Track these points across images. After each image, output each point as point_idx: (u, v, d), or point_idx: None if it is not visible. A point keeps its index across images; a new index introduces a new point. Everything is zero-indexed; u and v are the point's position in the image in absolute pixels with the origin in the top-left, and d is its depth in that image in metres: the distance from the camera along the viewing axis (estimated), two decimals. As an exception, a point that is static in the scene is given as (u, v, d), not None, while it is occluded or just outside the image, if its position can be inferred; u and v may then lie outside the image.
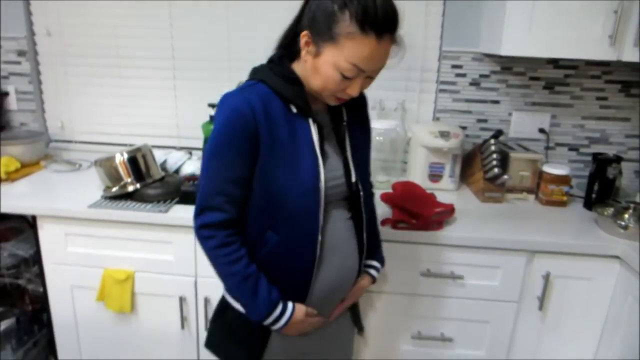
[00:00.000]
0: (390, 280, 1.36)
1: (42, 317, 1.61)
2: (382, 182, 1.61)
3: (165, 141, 1.87)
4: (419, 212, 1.30)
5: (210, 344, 1.04)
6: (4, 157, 1.62)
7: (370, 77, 0.85)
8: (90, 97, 1.88)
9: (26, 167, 1.67)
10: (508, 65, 1.69)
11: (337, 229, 0.95)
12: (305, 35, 0.82)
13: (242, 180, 0.87)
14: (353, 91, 0.84)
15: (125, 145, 1.66)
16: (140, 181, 1.42)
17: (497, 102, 1.74)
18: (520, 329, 1.38)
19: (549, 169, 1.53)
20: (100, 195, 1.43)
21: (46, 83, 1.89)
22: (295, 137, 0.87)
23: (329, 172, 0.91)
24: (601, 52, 1.37)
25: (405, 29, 0.84)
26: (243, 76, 1.68)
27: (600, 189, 1.51)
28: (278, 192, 0.87)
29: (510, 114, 1.75)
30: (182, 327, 1.45)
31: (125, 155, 1.42)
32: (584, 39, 1.36)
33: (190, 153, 1.75)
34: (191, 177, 1.62)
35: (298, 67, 0.89)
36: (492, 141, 1.56)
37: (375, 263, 1.09)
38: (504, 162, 1.56)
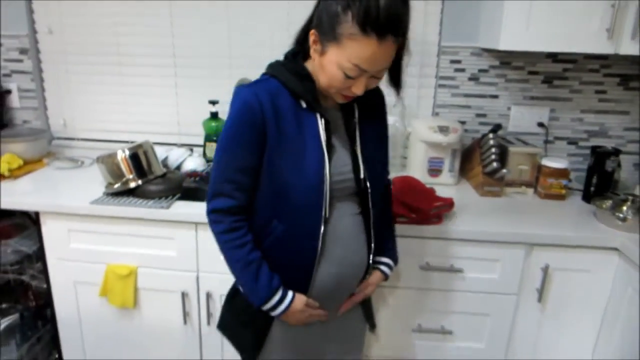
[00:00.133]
0: (390, 274, 1.37)
1: (46, 313, 1.62)
2: (382, 177, 1.62)
3: (166, 138, 1.88)
4: (418, 206, 1.31)
5: (220, 326, 1.10)
6: (7, 154, 1.64)
7: (375, 77, 0.86)
8: (92, 94, 1.89)
9: (29, 165, 1.69)
10: (507, 59, 1.70)
11: (343, 223, 0.96)
12: (313, 34, 0.85)
13: (250, 170, 0.91)
14: (358, 90, 0.86)
15: (126, 142, 1.67)
16: (142, 177, 1.44)
17: (496, 96, 1.74)
18: (520, 321, 1.39)
19: (547, 162, 1.54)
20: (103, 191, 1.45)
21: (48, 81, 1.90)
22: (302, 131, 0.90)
23: (335, 167, 0.92)
24: (599, 45, 1.37)
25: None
26: (243, 73, 1.72)
27: (599, 182, 1.51)
28: (283, 184, 0.90)
29: (509, 109, 1.75)
30: (185, 322, 1.46)
31: (127, 152, 1.43)
32: (582, 33, 1.37)
33: (192, 150, 1.76)
34: (192, 174, 1.63)
35: (310, 64, 0.92)
36: (491, 135, 1.57)
37: (386, 260, 1.08)
38: (502, 156, 1.57)
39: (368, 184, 0.96)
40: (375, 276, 1.07)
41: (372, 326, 1.16)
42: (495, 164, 1.52)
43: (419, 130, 1.61)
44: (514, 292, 1.36)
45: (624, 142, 1.75)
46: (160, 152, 1.64)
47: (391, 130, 1.61)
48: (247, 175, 0.92)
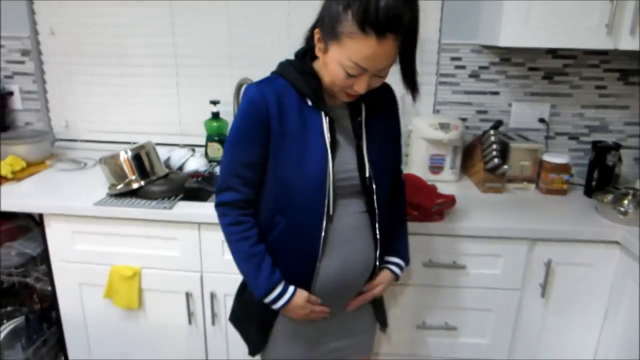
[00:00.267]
0: (400, 275, 1.37)
1: (51, 315, 1.63)
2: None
3: (168, 138, 1.89)
4: (420, 203, 1.31)
5: (231, 319, 1.14)
6: (9, 156, 1.64)
7: (378, 76, 0.87)
8: (94, 95, 1.90)
9: (32, 167, 1.69)
10: (507, 56, 1.70)
11: (348, 221, 0.96)
12: (317, 33, 0.87)
13: (255, 165, 0.94)
14: (360, 88, 0.86)
15: (129, 143, 1.68)
16: (144, 178, 1.44)
17: (496, 93, 1.75)
18: (524, 316, 1.40)
19: (549, 158, 1.54)
20: (106, 192, 1.45)
21: (50, 82, 1.90)
22: (306, 129, 0.92)
23: (339, 164, 0.93)
24: (598, 41, 1.38)
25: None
26: (244, 73, 1.73)
27: (600, 177, 1.52)
28: (286, 179, 0.92)
29: (510, 105, 1.76)
30: (189, 322, 1.47)
31: (130, 153, 1.43)
32: (581, 29, 1.37)
33: (193, 150, 1.77)
34: (195, 174, 1.64)
35: (317, 63, 0.93)
36: (492, 132, 1.57)
37: (396, 260, 1.08)
38: (504, 152, 1.57)
39: (373, 183, 0.96)
40: (385, 275, 1.06)
41: (383, 325, 1.16)
42: (496, 160, 1.52)
43: (420, 128, 1.62)
44: (517, 288, 1.37)
45: (625, 137, 1.75)
46: (163, 152, 1.64)
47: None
48: (253, 170, 0.94)
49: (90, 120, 1.93)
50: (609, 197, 1.43)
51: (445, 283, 1.38)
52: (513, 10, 1.38)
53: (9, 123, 1.91)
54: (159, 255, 1.42)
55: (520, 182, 1.60)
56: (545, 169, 1.55)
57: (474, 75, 1.73)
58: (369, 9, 0.76)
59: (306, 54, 0.94)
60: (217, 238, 1.37)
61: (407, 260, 1.10)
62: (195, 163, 1.69)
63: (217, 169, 1.76)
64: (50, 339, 1.64)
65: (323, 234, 0.93)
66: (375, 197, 0.97)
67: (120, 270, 1.42)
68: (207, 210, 1.36)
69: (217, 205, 0.99)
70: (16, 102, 1.90)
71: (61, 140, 1.96)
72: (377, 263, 1.02)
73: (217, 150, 1.79)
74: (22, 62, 1.86)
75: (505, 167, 1.52)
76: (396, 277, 1.08)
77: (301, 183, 0.92)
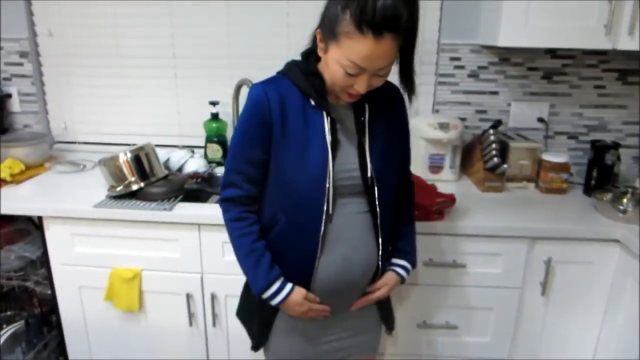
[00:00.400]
0: (406, 277, 1.37)
1: (51, 319, 1.62)
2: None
3: (167, 140, 1.88)
4: (420, 202, 1.31)
5: (237, 313, 1.17)
6: (8, 159, 1.64)
7: (378, 75, 0.87)
8: (93, 97, 1.89)
9: (31, 169, 1.68)
10: (506, 56, 1.71)
11: (348, 221, 0.97)
12: (318, 33, 0.89)
13: (258, 162, 0.96)
14: (360, 88, 0.87)
15: (128, 145, 1.67)
16: (144, 180, 1.44)
17: (495, 93, 1.75)
18: (524, 315, 1.40)
19: (548, 157, 1.55)
20: (105, 194, 1.45)
21: (49, 84, 1.90)
22: (308, 128, 0.93)
23: (340, 164, 0.94)
24: (597, 41, 1.38)
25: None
26: (244, 74, 1.73)
27: (599, 176, 1.52)
28: (287, 177, 0.94)
29: (509, 105, 1.76)
30: (190, 324, 1.47)
31: (129, 155, 1.43)
32: (580, 29, 1.38)
33: (193, 151, 1.77)
34: (194, 175, 1.64)
35: (321, 63, 0.93)
36: (492, 131, 1.58)
37: (402, 262, 1.07)
38: (503, 151, 1.58)
39: (375, 183, 0.96)
40: (390, 277, 1.05)
41: (389, 328, 1.16)
42: (496, 160, 1.52)
43: (419, 128, 1.62)
44: (518, 286, 1.37)
45: (623, 136, 1.76)
46: (162, 154, 1.64)
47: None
48: (255, 168, 0.96)
49: (89, 122, 1.92)
50: (608, 195, 1.43)
51: (445, 282, 1.39)
52: (512, 11, 1.39)
53: (7, 126, 1.90)
54: (159, 256, 1.41)
55: (519, 181, 1.60)
56: (544, 168, 1.56)
57: (473, 75, 1.74)
58: (365, 9, 0.77)
59: (311, 54, 0.95)
60: (217, 239, 1.37)
61: (413, 263, 1.09)
62: (195, 164, 1.69)
63: (217, 170, 1.76)
64: (51, 342, 1.63)
65: (322, 232, 0.94)
66: (377, 197, 0.97)
67: (120, 273, 1.42)
68: (207, 211, 1.36)
69: (221, 201, 1.01)
70: (14, 104, 1.89)
71: (60, 142, 1.95)
72: (381, 264, 1.02)
73: (216, 151, 1.79)
74: (20, 64, 1.85)
75: (505, 166, 1.52)
76: (402, 279, 1.07)
77: (301, 181, 0.93)
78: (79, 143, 1.94)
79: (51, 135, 1.94)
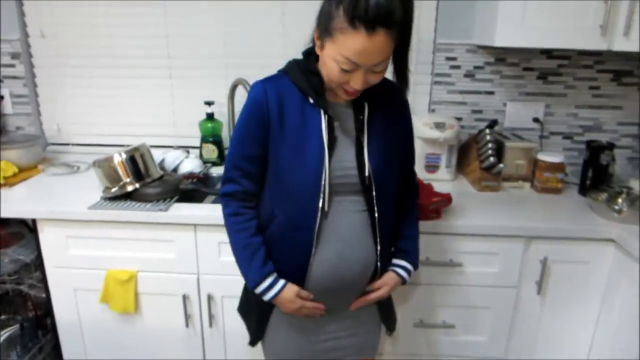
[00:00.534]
0: (408, 278, 1.37)
1: (46, 322, 1.60)
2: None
3: (162, 140, 1.87)
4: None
5: (238, 309, 1.18)
6: (1, 161, 1.61)
7: (374, 71, 0.87)
8: (86, 98, 1.87)
9: (24, 172, 1.67)
10: (502, 56, 1.71)
11: (345, 219, 0.96)
12: (315, 31, 0.90)
13: (255, 158, 0.98)
14: (356, 84, 0.87)
15: (122, 146, 1.66)
16: (139, 181, 1.43)
17: (491, 93, 1.76)
18: (521, 314, 1.41)
19: (543, 157, 1.56)
20: (100, 196, 1.44)
21: (41, 86, 1.88)
22: (305, 126, 0.94)
23: (336, 162, 0.94)
24: (593, 42, 1.39)
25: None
26: (239, 73, 1.72)
27: (594, 176, 1.53)
28: (283, 174, 0.95)
29: (504, 105, 1.77)
30: (187, 325, 1.46)
31: (124, 156, 1.42)
32: (576, 30, 1.38)
33: (188, 151, 1.76)
34: (189, 175, 1.63)
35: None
36: (487, 131, 1.58)
37: (403, 262, 1.06)
38: (499, 151, 1.58)
39: (373, 182, 0.96)
40: (390, 277, 1.05)
41: (390, 329, 1.16)
42: (492, 159, 1.53)
43: (416, 127, 1.59)
44: (514, 285, 1.38)
45: (618, 137, 1.77)
46: (157, 154, 1.63)
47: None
48: (252, 164, 0.98)
49: (82, 123, 1.90)
50: (603, 195, 1.44)
51: (442, 281, 1.39)
52: (508, 11, 1.39)
53: (-1, 127, 1.89)
54: (155, 258, 1.41)
55: (515, 181, 1.61)
56: (540, 168, 1.56)
57: (469, 75, 1.74)
58: (358, 5, 0.78)
59: (312, 53, 0.95)
60: (213, 239, 1.36)
61: (415, 264, 1.08)
62: (190, 164, 1.68)
63: (212, 170, 1.75)
64: (46, 346, 1.61)
65: (317, 229, 0.94)
66: (374, 196, 0.96)
67: (115, 274, 1.41)
68: (202, 211, 1.35)
69: (221, 196, 1.03)
70: (7, 106, 1.87)
71: (53, 144, 1.93)
72: (380, 264, 1.01)
73: (211, 152, 1.78)
74: (12, 66, 1.82)
75: (501, 165, 1.53)
76: (402, 280, 1.07)
77: (298, 178, 0.93)
78: (73, 145, 1.92)
79: (44, 137, 1.92)
